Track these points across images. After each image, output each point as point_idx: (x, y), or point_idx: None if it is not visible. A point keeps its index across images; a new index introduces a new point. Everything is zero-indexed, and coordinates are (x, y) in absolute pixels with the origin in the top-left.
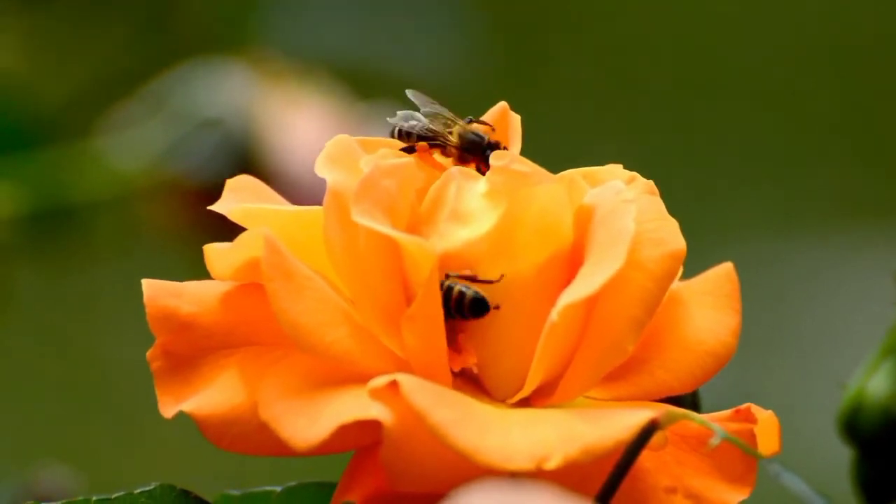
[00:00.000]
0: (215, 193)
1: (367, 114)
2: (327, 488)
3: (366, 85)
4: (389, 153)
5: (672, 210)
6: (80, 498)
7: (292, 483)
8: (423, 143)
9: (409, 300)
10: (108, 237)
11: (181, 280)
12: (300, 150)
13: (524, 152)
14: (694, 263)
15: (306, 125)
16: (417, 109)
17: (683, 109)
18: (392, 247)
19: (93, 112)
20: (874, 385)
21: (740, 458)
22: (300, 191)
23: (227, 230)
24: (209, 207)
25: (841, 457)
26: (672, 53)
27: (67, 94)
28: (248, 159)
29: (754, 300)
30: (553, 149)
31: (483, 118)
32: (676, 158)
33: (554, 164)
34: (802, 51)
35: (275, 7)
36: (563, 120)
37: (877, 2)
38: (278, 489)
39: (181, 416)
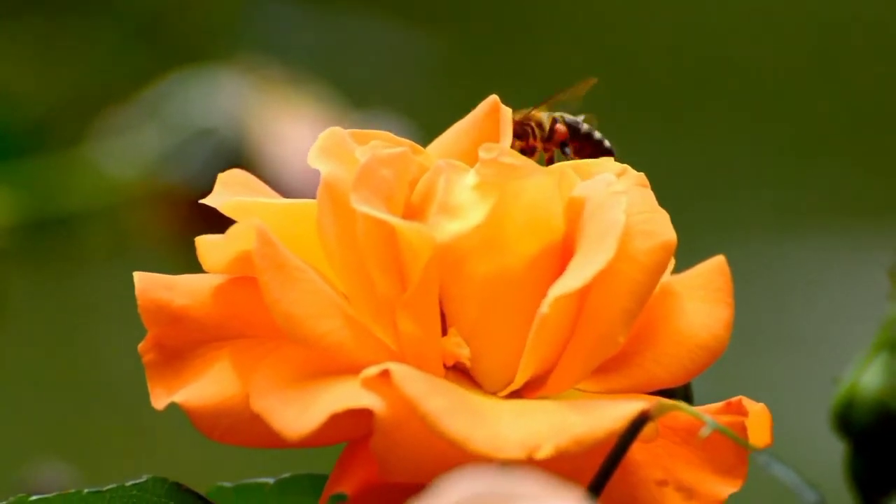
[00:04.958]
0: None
1: (361, 122)
2: (320, 480)
3: (358, 93)
4: (383, 144)
5: (672, 210)
6: (73, 490)
7: (285, 475)
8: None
9: (404, 289)
10: (100, 245)
11: None
12: (293, 159)
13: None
14: (691, 262)
15: (299, 133)
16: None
17: (683, 109)
18: (389, 235)
19: (85, 120)
20: (867, 378)
21: (731, 451)
22: (293, 198)
23: None
24: (202, 201)
25: (836, 451)
26: (671, 52)
27: (60, 101)
28: (241, 168)
29: (753, 299)
30: None
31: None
32: (676, 158)
33: None
34: (802, 51)
35: (268, 15)
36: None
37: (877, 2)
38: (271, 481)
39: (176, 412)
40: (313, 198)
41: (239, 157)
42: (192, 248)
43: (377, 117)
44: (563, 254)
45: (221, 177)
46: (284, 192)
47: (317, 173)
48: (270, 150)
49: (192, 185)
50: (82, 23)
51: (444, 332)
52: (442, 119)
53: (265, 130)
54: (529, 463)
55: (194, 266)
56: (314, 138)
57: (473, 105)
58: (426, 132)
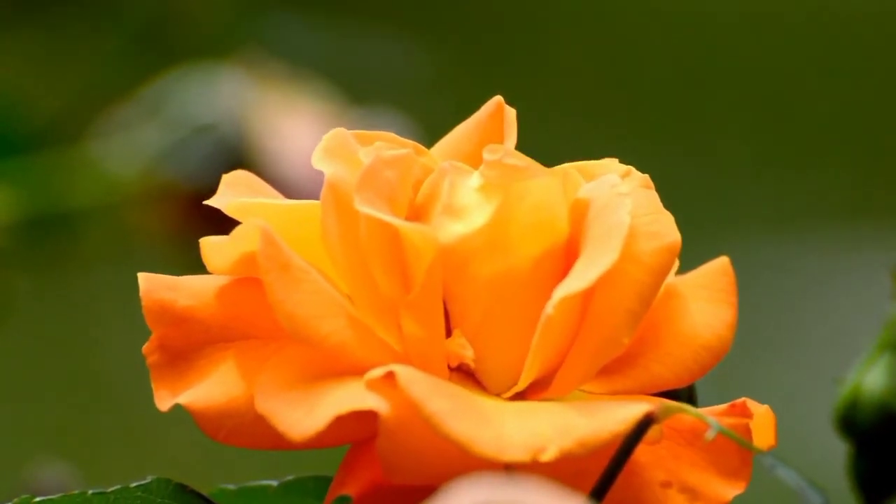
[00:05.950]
0: (209, 199)
1: (361, 118)
2: (324, 482)
3: (359, 89)
4: (387, 145)
5: (672, 210)
6: (77, 492)
7: (289, 477)
8: None
9: (407, 291)
10: (101, 242)
11: None
12: (294, 155)
13: (520, 148)
14: (693, 264)
15: (300, 130)
16: None
17: (683, 110)
18: (393, 236)
19: (86, 117)
20: (871, 379)
21: (736, 453)
22: (294, 196)
23: (222, 235)
24: (205, 202)
25: (839, 452)
26: (671, 53)
27: (61, 99)
28: (241, 164)
29: (755, 300)
30: (550, 146)
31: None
32: (676, 158)
33: (551, 161)
34: (802, 51)
35: (268, 11)
36: (559, 118)
37: (877, 3)
38: (275, 483)
39: (179, 415)
40: (314, 195)
41: (239, 153)
42: (193, 245)
43: (378, 113)
44: (567, 255)
45: (225, 178)
46: (285, 188)
47: (318, 171)
48: (271, 147)
49: (192, 182)
50: (84, 23)
51: (449, 333)
52: (443, 122)
53: (265, 127)
54: (533, 465)
55: (196, 263)
56: (314, 134)
57: (474, 109)
58: (427, 134)
